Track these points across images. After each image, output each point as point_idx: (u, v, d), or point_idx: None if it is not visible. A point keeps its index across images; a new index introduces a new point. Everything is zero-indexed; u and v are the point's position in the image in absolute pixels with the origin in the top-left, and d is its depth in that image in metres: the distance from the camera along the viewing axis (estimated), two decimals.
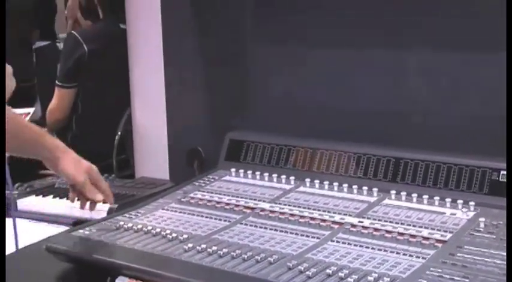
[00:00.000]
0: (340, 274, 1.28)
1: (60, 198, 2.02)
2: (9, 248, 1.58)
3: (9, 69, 1.34)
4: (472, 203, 1.59)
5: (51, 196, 2.08)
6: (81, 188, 1.66)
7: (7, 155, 1.57)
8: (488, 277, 1.25)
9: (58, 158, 1.63)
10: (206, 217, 1.67)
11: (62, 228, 1.78)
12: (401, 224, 1.53)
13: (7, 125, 1.46)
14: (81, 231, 1.59)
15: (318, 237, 1.49)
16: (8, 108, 1.53)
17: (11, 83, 1.32)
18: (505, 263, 1.30)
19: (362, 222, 1.54)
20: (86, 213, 1.75)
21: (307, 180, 1.76)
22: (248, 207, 1.70)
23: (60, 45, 4.36)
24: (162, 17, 2.24)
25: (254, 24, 2.09)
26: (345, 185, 1.74)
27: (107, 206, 1.81)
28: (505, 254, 1.34)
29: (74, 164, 1.64)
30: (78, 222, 1.76)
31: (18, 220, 1.70)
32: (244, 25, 2.12)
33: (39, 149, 1.63)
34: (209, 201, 1.76)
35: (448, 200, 1.61)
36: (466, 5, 1.74)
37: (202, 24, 2.18)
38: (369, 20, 1.91)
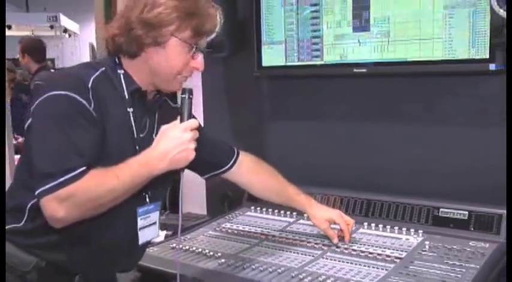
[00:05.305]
0: (328, 281, 1.43)
1: None
2: None
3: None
4: (420, 231, 1.73)
5: None
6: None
7: None
8: None
9: (309, 215, 1.69)
10: (234, 241, 1.83)
11: None
12: (371, 246, 1.68)
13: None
14: (147, 249, 1.66)
15: (313, 255, 1.64)
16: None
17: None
18: (443, 273, 1.39)
19: (344, 244, 1.62)
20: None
21: (305, 215, 1.84)
22: (263, 234, 1.81)
23: None
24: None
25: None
26: None
27: (164, 233, 1.89)
28: (443, 266, 1.45)
29: (317, 219, 1.67)
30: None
31: None
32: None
33: (294, 205, 1.70)
34: (236, 230, 1.89)
35: (404, 229, 1.74)
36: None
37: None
38: (364, 102, 2.03)
